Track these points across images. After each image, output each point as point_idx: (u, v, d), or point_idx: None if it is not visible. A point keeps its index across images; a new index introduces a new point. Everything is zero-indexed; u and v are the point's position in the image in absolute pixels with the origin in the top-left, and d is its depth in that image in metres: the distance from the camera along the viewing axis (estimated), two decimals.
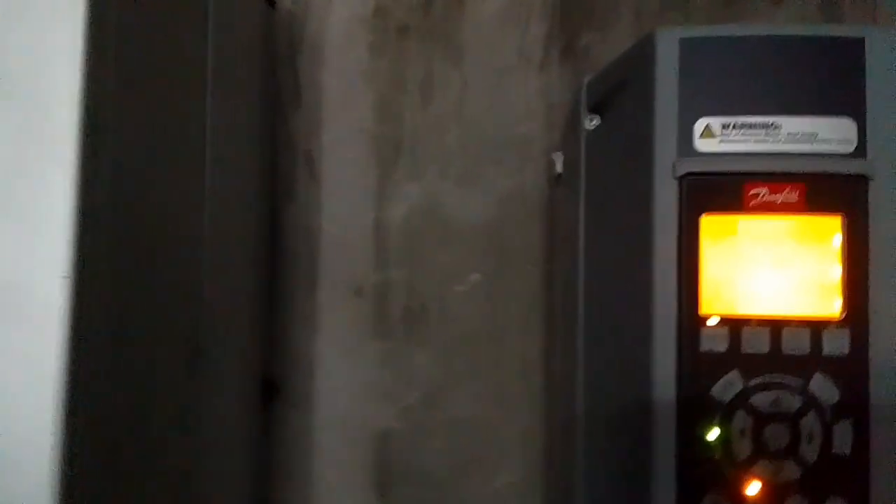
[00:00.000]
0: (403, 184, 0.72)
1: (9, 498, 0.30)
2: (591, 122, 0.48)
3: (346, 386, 0.71)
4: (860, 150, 0.37)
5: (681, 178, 0.37)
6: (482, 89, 0.71)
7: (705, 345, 0.36)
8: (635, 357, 0.38)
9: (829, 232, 0.37)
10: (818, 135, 0.37)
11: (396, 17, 0.71)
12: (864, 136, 0.37)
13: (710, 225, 0.37)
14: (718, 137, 0.37)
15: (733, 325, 0.37)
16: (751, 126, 0.37)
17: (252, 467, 0.69)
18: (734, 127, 0.37)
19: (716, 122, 0.37)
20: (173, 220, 0.47)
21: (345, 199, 0.72)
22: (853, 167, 0.37)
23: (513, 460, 0.70)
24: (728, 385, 0.36)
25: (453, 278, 0.71)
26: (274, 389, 0.72)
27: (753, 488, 0.36)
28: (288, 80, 0.73)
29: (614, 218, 0.43)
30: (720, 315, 0.37)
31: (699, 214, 0.37)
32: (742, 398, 0.36)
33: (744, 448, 0.36)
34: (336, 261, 0.71)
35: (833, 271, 0.37)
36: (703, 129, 0.37)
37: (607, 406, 0.42)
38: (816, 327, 0.36)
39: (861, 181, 0.37)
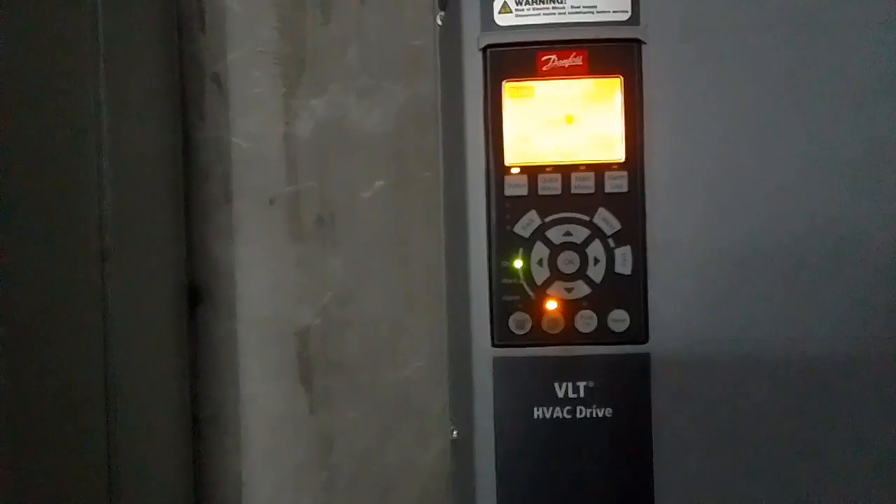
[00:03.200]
0: (308, 99, 0.79)
1: None
2: (440, 18, 0.56)
3: (265, 289, 0.80)
4: (634, 18, 0.45)
5: (484, 49, 0.45)
6: (378, 6, 0.78)
7: (509, 190, 0.45)
8: (460, 206, 0.47)
9: (611, 91, 0.46)
10: (597, 6, 0.45)
11: None
12: (638, 5, 0.45)
13: (511, 89, 0.45)
14: (514, 12, 0.45)
15: (531, 173, 0.45)
16: (541, 1, 0.45)
17: (180, 368, 0.77)
18: (526, 3, 0.45)
19: None
20: (66, 130, 0.54)
21: (253, 116, 0.79)
22: (627, 33, 0.45)
23: (421, 349, 0.79)
24: (528, 223, 0.45)
25: (360, 186, 0.79)
26: (198, 296, 0.80)
27: (551, 305, 0.45)
28: (191, 3, 0.79)
29: (450, 98, 0.51)
30: (521, 165, 0.45)
31: (501, 80, 0.45)
32: (539, 233, 0.45)
33: (542, 273, 0.45)
34: (248, 174, 0.79)
35: (615, 124, 0.46)
36: (501, 5, 0.45)
37: (450, 257, 0.51)
38: (600, 171, 0.45)
39: (635, 45, 0.45)
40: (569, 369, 0.45)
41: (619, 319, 0.45)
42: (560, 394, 0.45)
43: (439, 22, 0.56)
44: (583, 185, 0.45)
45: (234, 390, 0.81)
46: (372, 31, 0.78)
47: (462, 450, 0.52)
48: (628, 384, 0.45)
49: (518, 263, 0.45)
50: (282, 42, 0.79)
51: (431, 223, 0.78)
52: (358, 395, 0.79)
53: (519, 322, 0.45)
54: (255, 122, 0.79)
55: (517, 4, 0.45)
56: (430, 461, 0.78)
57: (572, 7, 0.45)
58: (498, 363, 0.46)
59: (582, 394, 0.45)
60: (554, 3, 0.45)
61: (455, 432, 0.56)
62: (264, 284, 0.80)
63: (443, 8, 0.55)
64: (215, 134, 0.79)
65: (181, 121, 0.78)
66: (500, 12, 0.45)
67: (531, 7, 0.45)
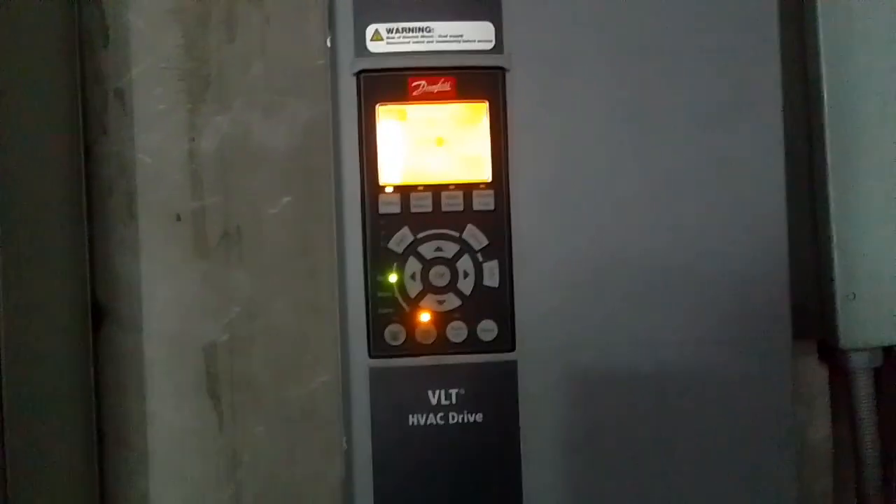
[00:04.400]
0: (213, 116, 0.79)
1: None
2: (328, 39, 0.58)
3: (171, 305, 0.79)
4: (498, 47, 0.48)
5: (357, 74, 0.47)
6: (283, 25, 0.79)
7: (383, 208, 0.48)
8: (339, 222, 0.49)
9: (478, 115, 0.49)
10: (464, 35, 0.48)
11: None
12: (501, 35, 0.48)
13: (384, 112, 0.48)
14: (385, 40, 0.48)
15: (404, 192, 0.48)
16: (410, 30, 0.48)
17: (82, 385, 0.76)
18: (397, 31, 0.48)
19: (383, 27, 0.48)
20: None
21: (158, 132, 0.79)
22: (492, 61, 0.48)
23: (327, 362, 0.80)
24: (401, 239, 0.48)
25: (266, 201, 0.79)
26: (102, 313, 0.79)
27: (424, 317, 0.48)
28: (94, 20, 0.79)
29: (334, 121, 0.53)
30: (394, 185, 0.48)
31: (375, 104, 0.48)
32: (412, 248, 0.48)
33: (415, 287, 0.48)
34: (153, 190, 0.79)
35: (482, 146, 0.49)
36: (373, 33, 0.48)
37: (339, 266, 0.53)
38: (468, 189, 0.48)
39: (500, 72, 0.48)
40: (441, 377, 0.48)
41: (488, 329, 0.48)
42: (433, 401, 0.48)
43: (328, 43, 0.59)
44: (452, 203, 0.48)
45: (140, 406, 0.80)
46: (276, 49, 0.79)
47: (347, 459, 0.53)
48: (497, 390, 0.48)
49: (392, 278, 0.48)
50: (186, 58, 0.80)
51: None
52: (265, 409, 0.80)
53: (394, 333, 0.48)
54: (159, 137, 0.79)
55: (388, 32, 0.47)
56: (336, 474, 0.79)
57: (440, 36, 0.48)
58: (374, 373, 0.48)
59: (454, 400, 0.48)
60: (423, 31, 0.48)
61: (346, 442, 0.57)
62: (170, 300, 0.80)
63: (331, 30, 0.58)
64: (118, 149, 0.79)
65: (82, 136, 0.78)
66: (371, 39, 0.48)
67: (401, 35, 0.48)
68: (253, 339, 0.80)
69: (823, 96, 0.61)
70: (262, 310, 0.80)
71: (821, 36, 0.60)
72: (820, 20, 0.60)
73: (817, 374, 0.70)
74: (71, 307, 0.75)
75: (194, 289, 0.80)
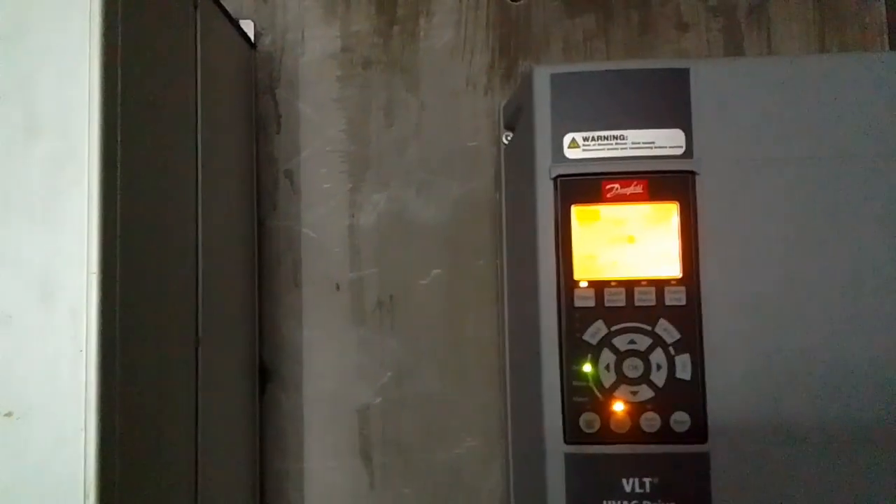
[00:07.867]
0: (372, 194, 0.85)
1: (44, 481, 0.39)
2: (506, 138, 0.62)
3: (329, 369, 0.84)
4: (688, 153, 0.51)
5: (555, 179, 0.51)
6: (437, 111, 0.85)
7: (578, 302, 0.50)
8: (532, 315, 0.52)
9: (668, 215, 0.51)
10: (655, 142, 0.51)
11: (360, 53, 0.85)
12: (691, 142, 0.51)
13: (579, 212, 0.51)
14: (581, 147, 0.51)
15: (598, 287, 0.50)
16: (604, 138, 0.51)
17: (251, 443, 0.82)
18: (592, 139, 0.51)
19: (579, 136, 0.51)
20: (173, 232, 0.60)
21: (322, 209, 0.85)
22: (683, 165, 0.51)
23: (474, 428, 0.83)
24: (596, 331, 0.50)
25: (417, 273, 0.84)
26: (268, 375, 0.85)
27: (618, 407, 0.50)
28: (269, 109, 0.87)
29: (520, 212, 0.57)
30: (588, 280, 0.51)
31: (570, 205, 0.51)
32: (606, 340, 0.50)
33: (609, 378, 0.50)
34: (317, 262, 0.84)
35: (672, 244, 0.51)
36: (570, 141, 0.51)
37: (522, 355, 0.56)
38: (660, 285, 0.50)
39: (690, 176, 0.51)
40: (635, 466, 0.49)
41: (681, 421, 0.49)
42: (627, 488, 0.49)
43: (505, 141, 0.63)
44: (645, 298, 0.50)
45: (298, 464, 0.84)
46: (431, 133, 0.85)
47: None
48: (690, 481, 0.49)
49: (587, 368, 0.50)
50: (349, 142, 0.86)
51: (483, 307, 0.83)
52: (413, 471, 0.83)
53: (588, 422, 0.50)
54: (322, 213, 0.85)
55: (584, 140, 0.51)
56: None
57: (633, 143, 0.51)
58: (570, 459, 0.50)
59: (648, 489, 0.49)
60: (617, 139, 0.51)
61: None
62: (329, 364, 0.84)
63: (509, 129, 0.62)
64: (286, 224, 0.86)
65: (256, 212, 0.85)
66: (569, 147, 0.51)
67: (596, 143, 0.51)
68: (403, 403, 0.84)
69: None
70: (412, 375, 0.84)
71: None
72: None
73: None
74: (245, 369, 0.80)
75: (351, 353, 0.84)
